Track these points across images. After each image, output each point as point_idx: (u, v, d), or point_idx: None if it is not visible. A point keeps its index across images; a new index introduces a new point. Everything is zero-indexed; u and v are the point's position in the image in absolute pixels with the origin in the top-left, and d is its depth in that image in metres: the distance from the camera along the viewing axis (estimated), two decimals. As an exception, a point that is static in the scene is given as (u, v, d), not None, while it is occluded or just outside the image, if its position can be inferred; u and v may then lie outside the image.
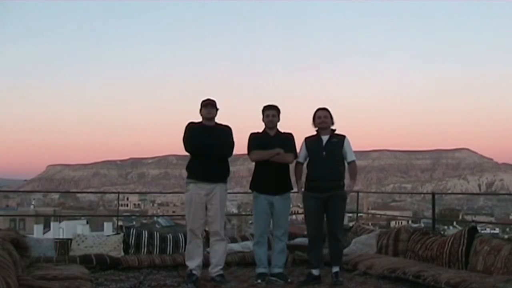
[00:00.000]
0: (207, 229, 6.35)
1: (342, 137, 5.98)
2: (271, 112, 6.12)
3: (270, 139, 6.11)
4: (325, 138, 5.94)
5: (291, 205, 6.41)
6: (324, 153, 5.84)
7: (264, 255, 6.07)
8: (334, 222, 5.86)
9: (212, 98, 6.09)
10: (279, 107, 6.18)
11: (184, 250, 7.38)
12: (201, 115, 6.07)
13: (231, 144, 6.08)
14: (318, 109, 6.05)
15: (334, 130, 6.02)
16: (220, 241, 6.08)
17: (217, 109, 6.10)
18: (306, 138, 6.09)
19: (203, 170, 5.91)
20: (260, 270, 6.03)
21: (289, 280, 5.98)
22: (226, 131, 6.11)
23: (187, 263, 5.98)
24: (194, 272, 5.89)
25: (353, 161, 6.01)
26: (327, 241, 6.02)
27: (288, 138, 6.16)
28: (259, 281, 5.89)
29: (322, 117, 5.97)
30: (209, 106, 6.03)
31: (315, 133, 6.05)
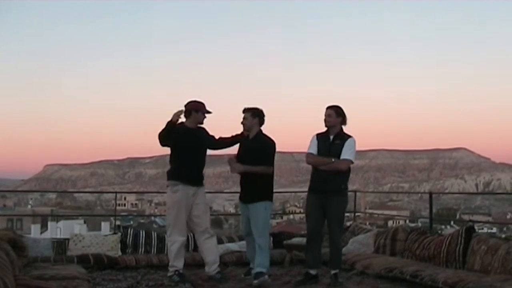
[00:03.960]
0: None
1: (347, 138, 5.86)
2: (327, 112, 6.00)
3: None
4: (331, 138, 5.88)
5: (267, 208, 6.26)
6: (328, 156, 5.79)
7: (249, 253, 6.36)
8: (331, 224, 5.86)
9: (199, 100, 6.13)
10: (262, 108, 6.26)
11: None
12: (195, 119, 6.10)
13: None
14: (327, 107, 5.96)
15: (342, 129, 5.93)
16: (211, 237, 6.18)
17: None
18: (317, 134, 6.00)
19: (192, 174, 6.06)
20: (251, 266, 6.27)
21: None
22: (206, 135, 6.23)
23: (175, 263, 5.99)
24: (181, 271, 5.96)
25: (345, 159, 5.77)
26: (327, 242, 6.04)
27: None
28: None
29: (326, 116, 5.90)
30: (204, 111, 6.08)
31: (325, 130, 5.99)
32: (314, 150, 5.93)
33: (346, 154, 5.77)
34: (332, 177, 5.75)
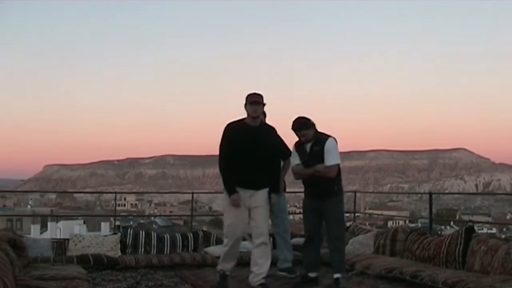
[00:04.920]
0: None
1: (324, 140, 5.63)
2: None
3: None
4: (308, 146, 5.68)
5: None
6: (310, 162, 5.62)
7: None
8: (331, 227, 5.73)
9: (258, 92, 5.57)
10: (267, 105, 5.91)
11: (182, 250, 7.40)
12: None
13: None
14: (294, 127, 5.65)
15: (317, 132, 5.68)
16: None
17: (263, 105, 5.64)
18: (294, 144, 5.80)
19: None
20: None
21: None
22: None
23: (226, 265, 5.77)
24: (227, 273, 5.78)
25: (331, 165, 5.56)
26: (327, 245, 5.93)
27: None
28: None
29: (302, 137, 5.65)
30: (254, 104, 5.51)
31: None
32: (298, 161, 5.74)
33: (329, 159, 5.57)
34: (323, 181, 5.61)
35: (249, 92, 5.55)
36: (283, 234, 6.29)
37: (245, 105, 5.52)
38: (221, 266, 5.72)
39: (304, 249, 5.99)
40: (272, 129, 5.82)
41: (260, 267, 5.53)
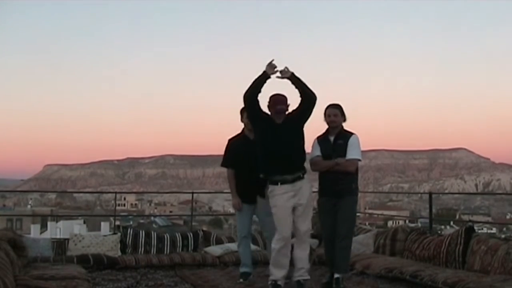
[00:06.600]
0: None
1: (349, 136, 5.62)
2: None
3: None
4: (332, 139, 5.64)
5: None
6: (332, 155, 5.57)
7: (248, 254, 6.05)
8: (343, 226, 5.61)
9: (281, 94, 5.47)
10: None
11: (182, 250, 7.38)
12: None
13: None
14: (328, 106, 5.68)
15: (343, 127, 5.67)
16: None
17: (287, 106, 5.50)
18: (317, 137, 5.75)
19: None
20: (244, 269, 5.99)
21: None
22: None
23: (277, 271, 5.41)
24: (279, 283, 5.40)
25: (352, 159, 5.54)
26: (335, 243, 5.72)
27: None
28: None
29: (332, 116, 5.62)
30: (280, 112, 5.44)
31: (324, 131, 5.73)
32: (318, 153, 5.67)
33: (352, 153, 5.56)
34: (343, 177, 5.54)
35: (273, 93, 5.47)
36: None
37: (269, 107, 5.47)
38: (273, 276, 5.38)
39: (326, 251, 5.79)
40: None
41: (300, 262, 5.47)
